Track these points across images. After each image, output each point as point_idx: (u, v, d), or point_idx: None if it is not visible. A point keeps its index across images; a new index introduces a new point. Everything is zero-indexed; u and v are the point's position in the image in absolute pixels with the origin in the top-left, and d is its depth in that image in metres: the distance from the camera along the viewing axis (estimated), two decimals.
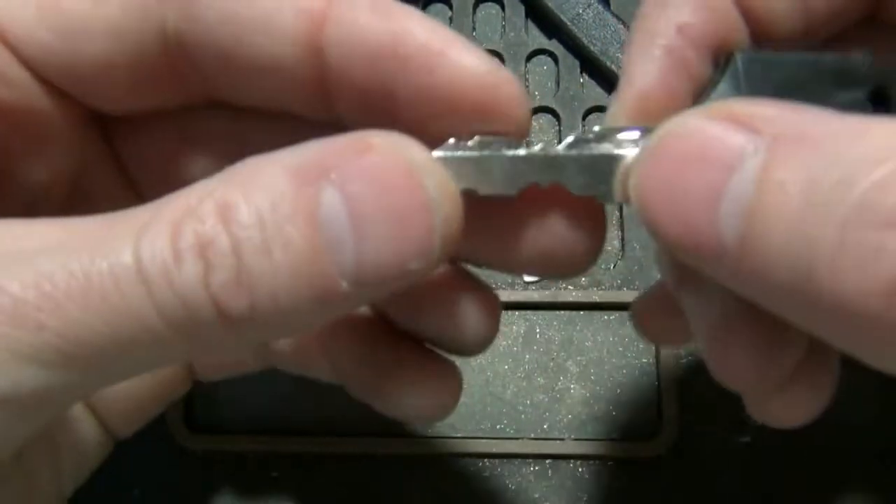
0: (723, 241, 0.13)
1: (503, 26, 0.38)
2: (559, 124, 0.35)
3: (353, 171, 0.14)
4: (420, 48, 0.16)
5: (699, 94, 0.17)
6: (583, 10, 0.36)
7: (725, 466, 0.29)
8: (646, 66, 0.17)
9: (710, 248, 0.13)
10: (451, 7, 0.38)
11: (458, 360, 0.31)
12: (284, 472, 0.29)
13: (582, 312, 0.31)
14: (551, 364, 0.31)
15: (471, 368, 0.31)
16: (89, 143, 0.20)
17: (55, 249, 0.14)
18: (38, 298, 0.13)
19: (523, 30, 0.37)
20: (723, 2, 0.17)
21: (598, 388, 0.30)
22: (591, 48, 0.35)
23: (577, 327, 0.31)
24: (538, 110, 0.36)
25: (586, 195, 0.16)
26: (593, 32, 0.36)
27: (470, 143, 0.16)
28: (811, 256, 0.12)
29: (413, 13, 0.16)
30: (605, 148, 0.15)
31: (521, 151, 0.16)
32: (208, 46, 0.17)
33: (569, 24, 0.36)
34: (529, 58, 0.37)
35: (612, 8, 0.37)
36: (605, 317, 0.31)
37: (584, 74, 0.36)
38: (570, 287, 0.32)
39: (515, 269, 0.19)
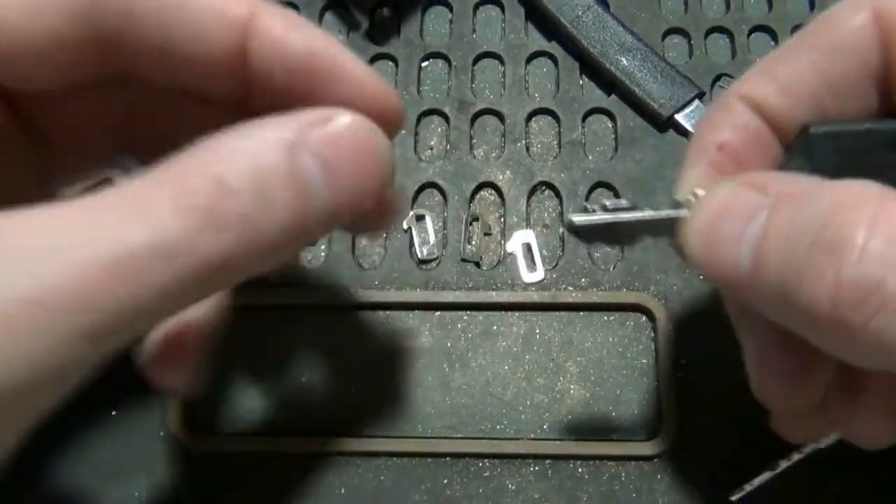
0: (741, 272, 0.18)
1: (503, 28, 0.38)
2: (559, 126, 0.35)
3: (324, 137, 0.18)
4: (331, 65, 0.20)
5: (782, 159, 0.22)
6: (582, 13, 0.36)
7: (725, 466, 0.29)
8: (696, 172, 0.22)
9: (734, 276, 0.18)
10: (451, 9, 0.38)
11: (459, 362, 0.31)
12: (284, 472, 0.29)
13: (582, 313, 0.31)
14: (551, 364, 0.31)
15: (471, 369, 0.31)
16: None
17: (87, 240, 0.16)
18: (92, 289, 0.15)
19: (523, 32, 0.37)
20: (755, 121, 0.22)
21: (598, 388, 0.30)
22: (591, 50, 0.36)
23: (577, 328, 0.31)
24: (538, 112, 0.36)
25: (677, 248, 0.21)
26: (593, 34, 0.36)
27: (596, 208, 0.21)
28: (790, 277, 0.16)
29: (317, 31, 0.20)
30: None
31: (641, 214, 0.21)
32: (142, 44, 0.19)
33: (568, 26, 0.36)
34: (529, 60, 0.37)
35: (611, 10, 0.37)
36: (605, 317, 0.31)
37: (583, 76, 0.36)
38: (570, 287, 0.32)
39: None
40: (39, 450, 0.30)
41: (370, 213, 0.21)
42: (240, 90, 0.21)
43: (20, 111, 0.21)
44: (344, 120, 0.19)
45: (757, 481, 0.27)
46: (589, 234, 0.21)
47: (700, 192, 0.21)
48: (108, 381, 0.31)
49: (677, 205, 0.21)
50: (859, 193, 0.16)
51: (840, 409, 0.21)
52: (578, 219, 0.21)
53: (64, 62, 0.19)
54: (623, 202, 0.22)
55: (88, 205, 0.16)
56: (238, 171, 0.17)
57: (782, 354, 0.21)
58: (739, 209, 0.18)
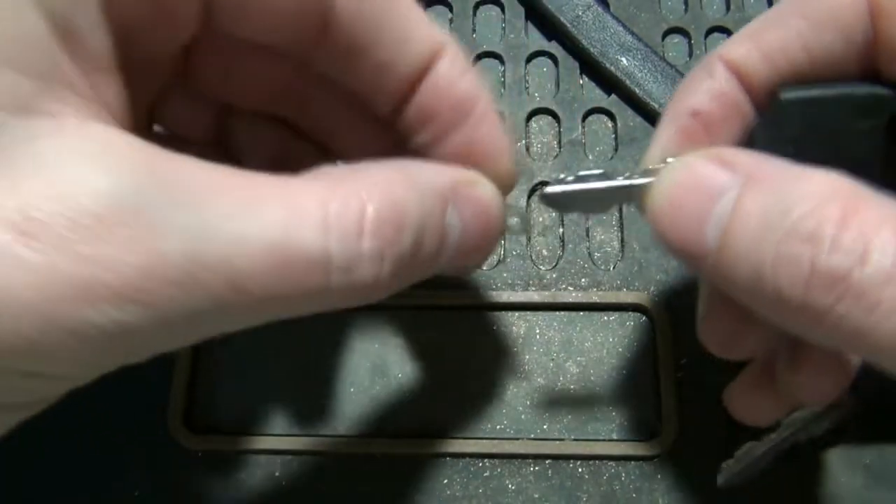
0: (707, 249, 0.19)
1: (503, 28, 0.38)
2: (559, 126, 0.35)
3: (469, 199, 0.20)
4: (480, 113, 0.22)
5: (749, 125, 0.22)
6: (582, 13, 0.36)
7: None
8: (666, 138, 0.22)
9: (699, 252, 0.19)
10: (451, 9, 0.38)
11: (459, 362, 0.31)
12: (285, 472, 0.29)
13: (582, 313, 0.31)
14: (551, 364, 0.31)
15: (471, 369, 0.31)
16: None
17: (260, 221, 0.16)
18: (251, 271, 0.16)
19: (523, 31, 0.37)
20: (733, 88, 0.22)
21: (597, 388, 0.30)
22: (591, 50, 0.36)
23: (577, 328, 0.31)
24: (538, 112, 0.36)
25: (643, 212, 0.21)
26: (593, 34, 0.36)
27: (569, 178, 0.22)
28: (761, 261, 0.17)
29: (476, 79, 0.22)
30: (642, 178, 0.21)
31: (612, 182, 0.21)
32: (344, 39, 0.20)
33: (568, 25, 0.36)
34: (529, 59, 0.37)
35: (611, 10, 0.37)
36: (605, 317, 0.31)
37: (583, 76, 0.36)
38: (569, 287, 0.32)
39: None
40: (39, 449, 0.30)
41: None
42: (399, 104, 0.22)
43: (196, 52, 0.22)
44: (488, 189, 0.21)
45: (740, 453, 0.27)
46: (563, 203, 0.22)
47: (670, 160, 0.20)
48: (109, 380, 0.32)
49: (647, 172, 0.21)
50: (832, 187, 0.17)
51: (785, 371, 0.23)
52: (551, 189, 0.22)
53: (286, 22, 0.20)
54: (596, 171, 0.22)
55: (289, 190, 0.17)
56: (411, 210, 0.18)
57: (729, 312, 0.23)
58: (706, 185, 0.19)
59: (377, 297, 0.18)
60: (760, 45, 0.21)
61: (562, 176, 0.22)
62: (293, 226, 0.16)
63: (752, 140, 0.21)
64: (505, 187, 0.22)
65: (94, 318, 0.14)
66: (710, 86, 0.22)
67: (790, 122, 0.20)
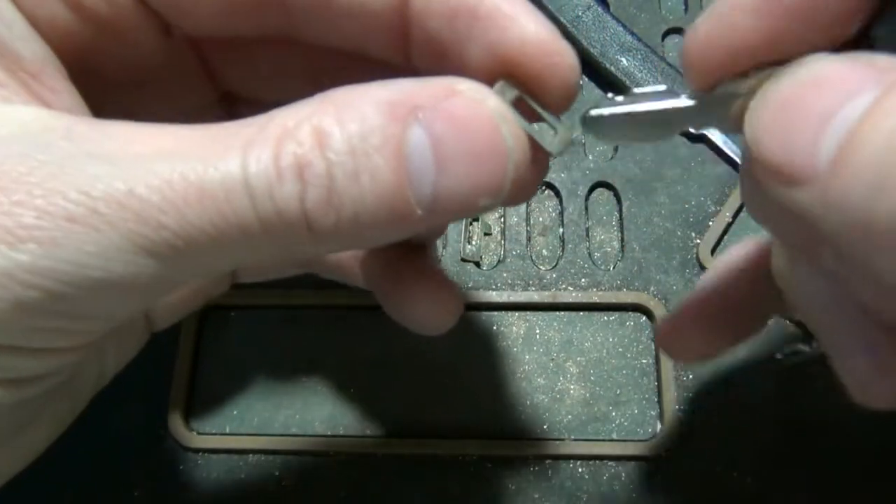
0: (816, 163, 0.14)
1: None
2: None
3: (440, 111, 0.16)
4: (495, 10, 0.18)
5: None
6: (582, 13, 0.36)
7: (725, 466, 0.29)
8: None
9: (804, 169, 0.14)
10: None
11: (458, 362, 0.31)
12: (285, 472, 0.29)
13: (582, 313, 0.31)
14: (551, 364, 0.31)
15: (470, 369, 0.31)
16: (177, 56, 0.22)
17: (171, 156, 0.16)
18: (162, 202, 0.15)
19: None
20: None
21: (597, 388, 0.30)
22: (591, 50, 0.36)
23: (577, 328, 0.31)
24: None
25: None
26: (592, 35, 0.36)
27: (620, 98, 0.17)
28: (887, 172, 0.12)
29: None
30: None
31: (677, 102, 0.17)
32: None
33: (568, 26, 0.36)
34: None
35: (611, 10, 0.37)
36: (605, 317, 0.31)
37: (583, 76, 0.36)
38: (569, 288, 0.32)
39: None
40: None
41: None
42: (402, 47, 0.19)
43: (206, 60, 0.22)
44: (474, 98, 0.16)
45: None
46: (610, 130, 0.18)
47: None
48: (109, 380, 0.31)
49: (728, 87, 0.17)
50: None
51: None
52: (596, 112, 0.18)
53: (223, 7, 0.19)
54: (655, 88, 0.18)
55: (190, 129, 0.16)
56: (340, 128, 0.16)
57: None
58: (840, 81, 0.14)
59: (328, 237, 0.16)
60: None
61: (610, 96, 0.18)
62: (211, 155, 0.16)
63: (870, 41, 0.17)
64: (556, 97, 0.18)
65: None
66: None
67: None
